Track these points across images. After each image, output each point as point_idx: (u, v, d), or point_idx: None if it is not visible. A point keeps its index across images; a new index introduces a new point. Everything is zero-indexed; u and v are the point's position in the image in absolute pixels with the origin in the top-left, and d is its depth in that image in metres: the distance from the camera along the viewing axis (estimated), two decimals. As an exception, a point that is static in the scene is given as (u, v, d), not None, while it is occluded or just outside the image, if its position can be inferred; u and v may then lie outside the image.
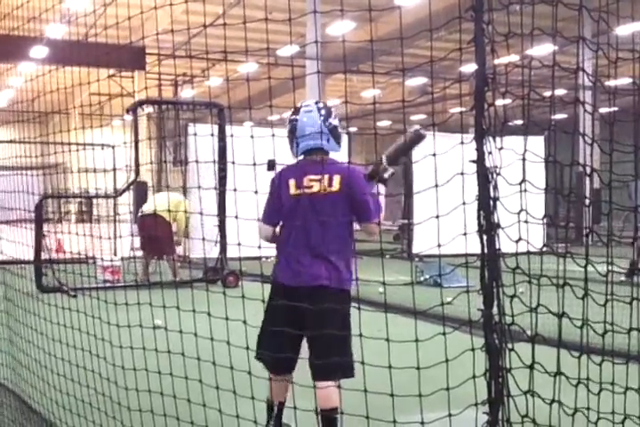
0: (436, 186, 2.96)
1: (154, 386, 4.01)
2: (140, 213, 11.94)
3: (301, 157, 4.34)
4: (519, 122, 3.14)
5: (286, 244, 4.28)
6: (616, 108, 3.15)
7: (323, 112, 4.28)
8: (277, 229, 4.40)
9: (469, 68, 2.75)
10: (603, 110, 19.88)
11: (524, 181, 2.83)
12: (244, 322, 3.50)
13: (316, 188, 4.20)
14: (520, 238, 2.86)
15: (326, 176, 4.18)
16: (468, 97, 3.15)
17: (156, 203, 11.66)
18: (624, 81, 21.19)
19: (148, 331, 4.15)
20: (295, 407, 3.45)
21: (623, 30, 16.85)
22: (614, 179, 2.84)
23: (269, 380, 4.11)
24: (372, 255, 12.21)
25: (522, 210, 2.85)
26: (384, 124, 40.22)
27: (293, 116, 4.31)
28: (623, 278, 8.49)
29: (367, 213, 4.20)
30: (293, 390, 3.65)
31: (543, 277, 2.87)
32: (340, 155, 4.46)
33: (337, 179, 4.17)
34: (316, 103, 4.36)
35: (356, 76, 32.03)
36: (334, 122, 4.31)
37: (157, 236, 11.84)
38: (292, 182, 4.27)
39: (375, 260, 4.08)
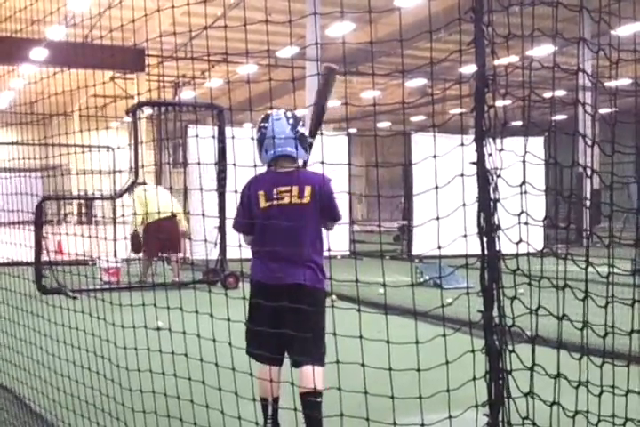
0: (437, 187, 2.96)
1: (157, 387, 4.02)
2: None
3: (271, 166, 4.43)
4: (519, 123, 3.15)
5: (260, 251, 4.43)
6: (616, 109, 3.15)
7: (291, 120, 4.39)
8: None
9: (469, 69, 2.75)
10: (603, 111, 19.91)
11: (524, 182, 2.83)
12: (246, 323, 3.50)
13: (286, 199, 4.31)
14: (520, 240, 2.86)
15: (296, 187, 4.29)
16: (467, 98, 3.15)
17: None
18: (624, 81, 21.24)
19: (151, 332, 4.16)
20: (295, 409, 3.45)
21: (624, 31, 16.85)
22: (614, 180, 2.84)
23: (258, 377, 4.12)
24: (371, 256, 12.22)
25: (522, 212, 2.85)
26: (384, 125, 40.24)
27: (262, 124, 4.42)
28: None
29: (335, 216, 4.48)
30: (292, 392, 3.65)
31: (543, 279, 2.87)
32: (339, 157, 4.50)
33: (308, 190, 4.30)
34: (285, 112, 4.45)
35: (356, 78, 32.05)
36: (302, 129, 4.42)
37: (175, 237, 12.15)
38: (261, 193, 4.36)
39: (375, 261, 4.08)
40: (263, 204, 4.33)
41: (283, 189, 4.31)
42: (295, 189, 4.29)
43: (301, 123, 4.45)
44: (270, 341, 4.24)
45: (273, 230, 4.30)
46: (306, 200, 4.29)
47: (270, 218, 4.29)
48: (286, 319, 4.19)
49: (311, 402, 4.08)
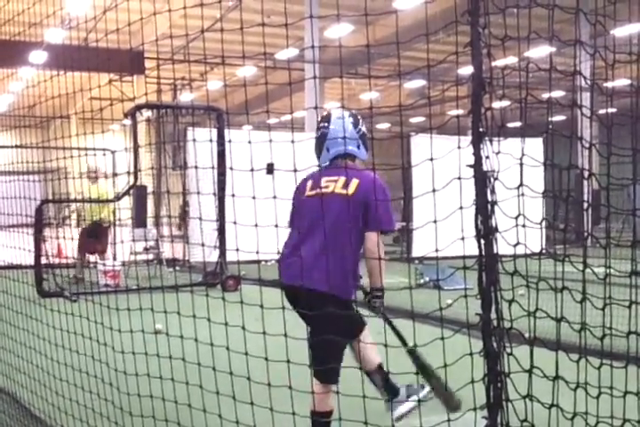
0: (434, 191, 2.96)
1: (155, 391, 4.01)
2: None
3: (327, 164, 4.38)
4: (517, 124, 3.15)
5: (291, 241, 4.29)
6: (614, 110, 3.15)
7: (352, 119, 4.37)
8: None
9: (467, 70, 2.74)
10: (600, 112, 19.89)
11: (521, 184, 2.83)
12: (243, 328, 3.49)
13: (330, 188, 4.22)
14: (518, 243, 2.86)
15: (343, 178, 4.18)
16: (465, 99, 3.15)
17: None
18: (621, 82, 21.23)
19: (148, 336, 4.16)
20: (294, 413, 3.44)
21: (620, 32, 16.84)
22: (612, 182, 2.84)
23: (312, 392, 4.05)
24: (371, 258, 12.19)
25: (519, 214, 2.85)
26: (383, 126, 40.28)
27: (323, 124, 4.39)
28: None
29: (373, 220, 4.13)
30: (292, 396, 3.63)
31: (541, 281, 2.86)
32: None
33: (354, 183, 4.16)
34: (347, 111, 4.43)
35: (355, 79, 32.07)
36: (363, 129, 4.40)
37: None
38: (309, 184, 4.35)
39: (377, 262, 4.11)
40: (308, 192, 4.30)
41: (330, 178, 4.25)
42: (342, 180, 4.19)
43: (361, 122, 4.42)
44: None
45: (309, 218, 4.19)
46: (350, 191, 4.13)
47: (310, 206, 4.22)
48: (309, 324, 4.11)
49: (317, 422, 4.05)
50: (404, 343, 4.16)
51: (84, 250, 13.20)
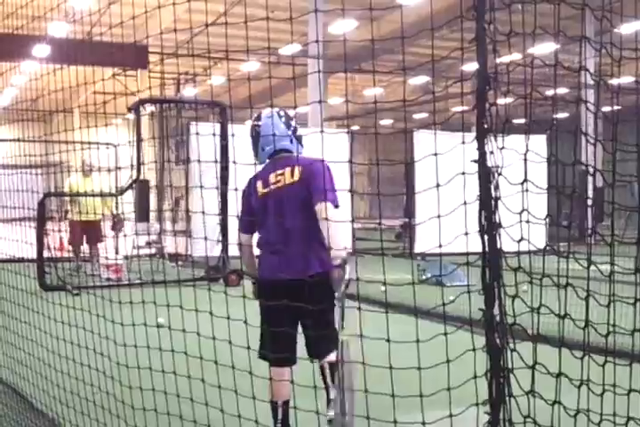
0: (438, 185, 2.96)
1: (157, 385, 4.02)
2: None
3: (267, 161, 4.51)
4: (521, 121, 3.13)
5: (263, 241, 4.45)
6: (619, 107, 3.14)
7: (283, 118, 4.51)
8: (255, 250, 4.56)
9: (471, 66, 2.73)
10: (605, 109, 19.85)
11: (525, 180, 2.82)
12: (245, 322, 3.50)
13: (281, 182, 4.36)
14: (522, 238, 2.85)
15: (289, 168, 4.35)
16: (469, 96, 3.14)
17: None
18: (627, 79, 21.18)
19: (151, 330, 4.16)
20: (295, 407, 3.45)
21: (627, 29, 16.80)
22: (617, 179, 2.83)
23: (270, 380, 4.12)
24: (374, 254, 12.20)
25: (523, 210, 2.84)
26: (386, 122, 40.22)
27: (256, 122, 4.52)
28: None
29: (319, 194, 4.14)
30: (294, 390, 3.64)
31: (545, 278, 2.86)
32: (341, 155, 4.51)
33: (298, 169, 4.32)
34: (276, 110, 4.53)
35: (358, 75, 32.02)
36: (294, 124, 4.54)
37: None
38: (259, 184, 4.44)
39: (377, 258, 4.10)
40: (261, 190, 4.40)
41: (279, 172, 4.37)
42: (288, 171, 4.35)
43: (293, 119, 4.56)
44: (287, 341, 4.28)
45: (272, 215, 4.34)
46: (295, 178, 4.31)
47: (268, 203, 4.36)
48: (299, 312, 4.12)
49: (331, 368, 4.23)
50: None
51: (75, 242, 13.27)
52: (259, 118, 4.51)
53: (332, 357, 4.23)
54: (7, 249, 6.48)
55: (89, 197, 12.55)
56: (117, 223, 13.35)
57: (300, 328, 4.36)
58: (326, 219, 4.06)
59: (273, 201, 4.36)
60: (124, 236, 13.65)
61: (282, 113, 4.53)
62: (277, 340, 4.23)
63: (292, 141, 4.48)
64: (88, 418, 4.39)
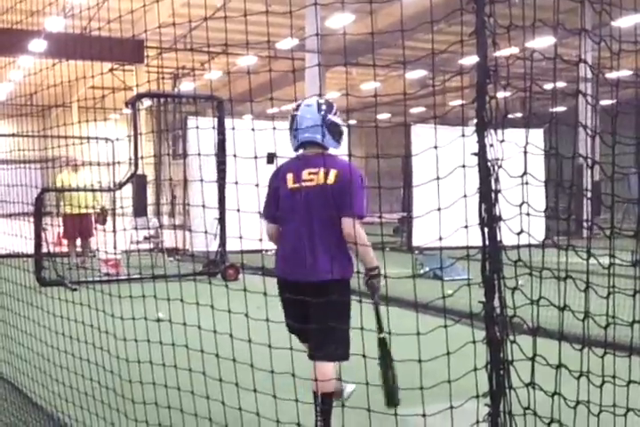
0: (438, 178, 2.96)
1: (158, 378, 4.02)
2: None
3: (301, 151, 4.41)
4: (519, 115, 3.14)
5: (286, 238, 4.39)
6: (616, 101, 3.14)
7: (323, 107, 4.36)
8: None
9: (469, 60, 2.74)
10: (604, 102, 19.81)
11: (525, 173, 2.83)
12: (246, 315, 3.51)
13: (314, 181, 4.26)
14: (522, 230, 2.86)
15: (323, 170, 4.23)
16: (467, 90, 3.14)
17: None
18: (624, 73, 21.19)
19: (151, 324, 4.16)
20: (297, 400, 3.45)
21: (625, 22, 16.78)
22: (615, 171, 2.84)
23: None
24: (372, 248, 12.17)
25: (523, 202, 2.85)
26: (384, 116, 40.17)
27: (294, 112, 4.41)
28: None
29: (347, 206, 4.16)
30: (295, 383, 3.64)
31: (545, 270, 2.86)
32: (340, 149, 4.47)
33: (333, 173, 4.23)
34: (318, 99, 4.43)
35: (356, 69, 31.96)
36: (334, 118, 4.36)
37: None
38: (289, 177, 4.34)
39: (376, 252, 4.10)
40: (291, 184, 4.32)
41: (311, 170, 4.28)
42: (322, 172, 4.24)
43: (334, 111, 4.40)
44: (303, 336, 4.39)
45: (299, 213, 4.28)
46: (330, 182, 4.22)
47: (297, 200, 4.27)
48: (309, 314, 4.17)
49: (323, 402, 4.15)
50: (381, 330, 4.20)
51: (68, 236, 13.32)
52: (298, 107, 4.40)
53: (328, 386, 4.15)
54: (5, 244, 6.49)
55: (80, 191, 12.54)
56: (100, 216, 13.31)
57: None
58: (349, 234, 4.13)
59: (302, 198, 4.26)
60: (124, 230, 13.65)
61: (322, 101, 4.42)
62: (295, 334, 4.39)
63: (323, 135, 4.31)
64: (88, 412, 4.39)
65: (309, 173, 4.28)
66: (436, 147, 2.99)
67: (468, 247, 2.89)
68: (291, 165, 4.43)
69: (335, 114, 4.38)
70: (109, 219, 14.44)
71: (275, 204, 4.42)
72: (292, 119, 4.39)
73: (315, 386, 4.10)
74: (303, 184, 4.27)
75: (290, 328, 4.38)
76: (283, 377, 3.45)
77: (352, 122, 34.38)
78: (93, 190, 12.72)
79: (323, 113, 4.32)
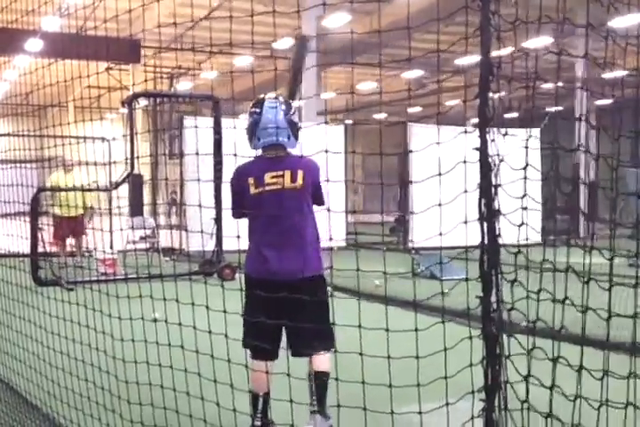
0: (439, 174, 2.96)
1: (153, 379, 4.00)
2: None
3: (259, 152, 4.39)
4: (515, 115, 3.14)
5: (256, 238, 4.37)
6: (615, 98, 3.15)
7: (283, 107, 4.33)
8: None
9: (465, 60, 2.72)
10: (601, 102, 19.85)
11: (526, 166, 2.82)
12: (243, 315, 3.49)
13: (278, 184, 4.26)
14: (523, 222, 2.84)
15: (288, 172, 4.26)
16: (463, 90, 3.13)
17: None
18: (622, 72, 21.16)
19: (146, 324, 4.14)
20: (291, 401, 3.43)
21: (626, 21, 16.76)
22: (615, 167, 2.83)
23: (252, 370, 4.13)
24: (368, 248, 12.17)
25: (524, 194, 2.84)
26: (380, 116, 40.20)
27: (255, 109, 4.34)
28: (631, 262, 8.56)
29: (322, 200, 4.46)
30: (290, 384, 3.62)
31: (543, 268, 2.85)
32: (335, 148, 4.48)
33: (300, 174, 4.27)
34: (277, 98, 4.39)
35: (355, 69, 31.92)
36: (294, 118, 4.38)
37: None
38: (251, 181, 4.30)
39: (371, 252, 4.08)
40: (253, 190, 4.28)
41: (274, 174, 4.27)
42: (288, 174, 4.26)
43: (293, 110, 4.41)
44: (270, 335, 4.25)
45: (267, 217, 4.28)
46: (299, 184, 4.27)
47: (262, 204, 4.26)
48: (286, 312, 4.13)
49: (321, 381, 4.26)
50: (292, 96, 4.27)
51: (58, 237, 13.22)
52: (259, 105, 4.32)
53: (325, 365, 4.28)
54: (1, 244, 6.47)
55: (71, 191, 12.47)
56: (86, 214, 13.25)
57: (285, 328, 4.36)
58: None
59: (269, 201, 4.26)
60: (120, 230, 13.63)
61: (282, 100, 4.38)
62: (262, 334, 4.18)
63: (289, 137, 4.32)
64: (83, 413, 4.36)
65: (272, 177, 4.27)
66: (438, 143, 2.98)
67: (466, 247, 2.88)
68: (249, 168, 4.37)
69: (294, 113, 4.42)
70: (106, 218, 14.41)
71: (242, 206, 4.40)
72: (254, 118, 4.32)
73: (310, 367, 4.28)
74: (267, 188, 4.27)
75: (256, 336, 4.18)
76: (277, 378, 3.43)
77: (348, 122, 34.43)
78: (90, 190, 12.68)
79: (286, 114, 4.31)
